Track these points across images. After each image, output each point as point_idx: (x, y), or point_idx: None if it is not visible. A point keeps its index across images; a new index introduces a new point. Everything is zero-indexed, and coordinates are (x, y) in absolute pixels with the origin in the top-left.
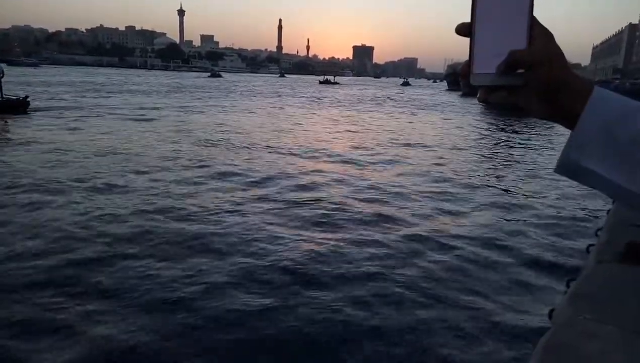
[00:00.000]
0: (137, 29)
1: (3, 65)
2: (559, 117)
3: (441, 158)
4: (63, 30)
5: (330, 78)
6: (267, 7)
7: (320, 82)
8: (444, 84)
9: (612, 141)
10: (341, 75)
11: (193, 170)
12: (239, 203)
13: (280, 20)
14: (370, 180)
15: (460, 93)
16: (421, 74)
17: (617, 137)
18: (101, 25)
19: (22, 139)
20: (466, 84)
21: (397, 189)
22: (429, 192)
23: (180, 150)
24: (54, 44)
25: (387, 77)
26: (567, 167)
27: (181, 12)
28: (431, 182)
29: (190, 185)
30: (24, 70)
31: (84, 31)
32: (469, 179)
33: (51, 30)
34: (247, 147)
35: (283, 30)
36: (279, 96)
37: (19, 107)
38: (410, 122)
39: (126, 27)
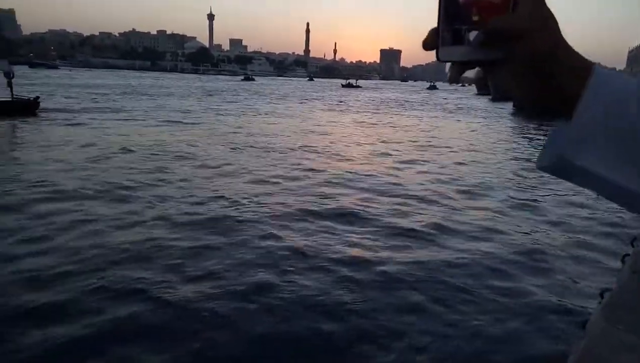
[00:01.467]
0: (168, 33)
1: (24, 67)
2: (547, 100)
3: (468, 162)
4: (97, 34)
5: (353, 81)
6: (295, 11)
7: (343, 86)
8: (473, 87)
9: (616, 135)
10: (367, 79)
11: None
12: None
13: (307, 24)
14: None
15: (490, 97)
16: None
17: (621, 130)
18: (133, 30)
19: (31, 139)
20: (497, 88)
21: (417, 191)
22: (452, 191)
23: (223, 157)
24: (88, 48)
25: (415, 80)
26: (558, 166)
27: (211, 17)
28: (455, 184)
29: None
30: (59, 73)
31: (117, 35)
32: (495, 181)
33: (86, 34)
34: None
35: (311, 34)
36: (307, 99)
37: (29, 107)
38: (434, 126)
39: (158, 31)
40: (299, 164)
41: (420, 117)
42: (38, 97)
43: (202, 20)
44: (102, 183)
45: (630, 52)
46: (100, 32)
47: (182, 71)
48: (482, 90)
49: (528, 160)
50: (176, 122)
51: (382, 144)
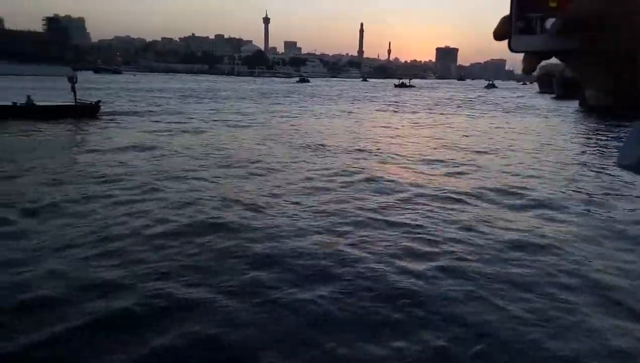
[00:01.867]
0: (225, 37)
1: (89, 72)
2: (627, 97)
3: (534, 168)
4: (159, 39)
5: (406, 81)
6: (349, 13)
7: (396, 85)
8: (535, 86)
9: None
10: (423, 78)
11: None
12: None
13: (361, 25)
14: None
15: (553, 95)
16: (510, 75)
17: None
18: (193, 35)
19: (91, 139)
20: (560, 84)
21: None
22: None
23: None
24: (151, 53)
25: (473, 79)
26: None
27: (266, 20)
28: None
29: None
30: (123, 77)
31: (178, 40)
32: (559, 187)
33: (149, 40)
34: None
35: (364, 34)
36: (360, 100)
37: (91, 111)
38: (494, 126)
39: (215, 35)
40: (349, 166)
41: (478, 116)
42: (99, 101)
43: (258, 23)
44: (158, 178)
45: None
46: (162, 38)
47: (239, 74)
48: (545, 88)
49: (600, 165)
50: (235, 124)
51: (438, 145)
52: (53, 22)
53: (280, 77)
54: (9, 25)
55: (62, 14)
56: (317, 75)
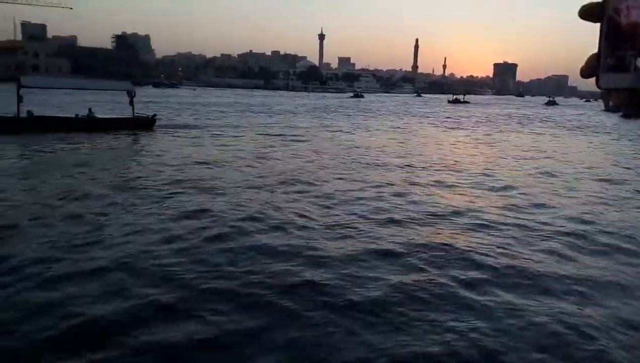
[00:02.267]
0: (281, 53)
1: (149, 87)
2: None
3: (604, 196)
4: (219, 56)
5: (460, 97)
6: (404, 28)
7: (449, 101)
8: (600, 103)
9: None
10: (479, 94)
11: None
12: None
13: (417, 41)
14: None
15: (620, 113)
16: (572, 92)
17: None
18: (250, 51)
19: (148, 149)
20: (628, 104)
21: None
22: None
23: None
24: (210, 69)
25: (533, 95)
26: None
27: (321, 37)
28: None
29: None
30: (184, 92)
31: (236, 56)
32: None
33: (209, 56)
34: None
35: (419, 49)
36: (415, 115)
37: (147, 124)
38: (554, 146)
39: (272, 52)
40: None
41: (538, 134)
42: (155, 115)
43: (313, 40)
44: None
45: None
46: (221, 54)
47: (293, 89)
48: (611, 107)
49: None
50: (287, 137)
51: (493, 166)
52: (121, 39)
53: (333, 92)
54: (81, 42)
55: (129, 31)
56: (370, 90)
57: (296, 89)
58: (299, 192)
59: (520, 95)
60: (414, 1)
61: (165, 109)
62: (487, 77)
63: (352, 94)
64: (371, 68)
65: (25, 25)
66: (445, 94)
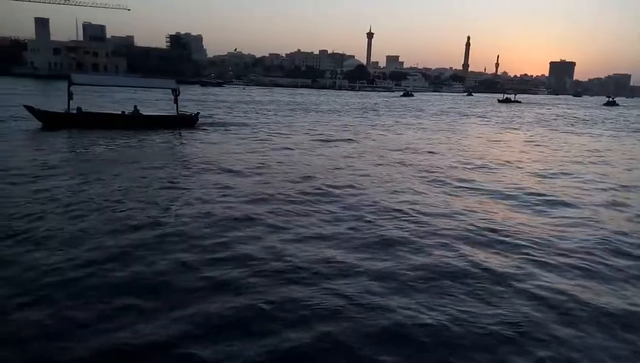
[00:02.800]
0: (329, 52)
1: (196, 86)
2: None
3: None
4: (267, 55)
5: (511, 96)
6: (455, 26)
7: (500, 101)
8: None
9: None
10: (534, 93)
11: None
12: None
13: (468, 38)
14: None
15: None
16: (635, 92)
17: None
18: (298, 50)
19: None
20: None
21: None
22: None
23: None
24: (259, 68)
25: (591, 95)
26: None
27: (370, 35)
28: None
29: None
30: (233, 90)
31: (284, 56)
32: None
33: (258, 55)
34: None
35: (471, 47)
36: (467, 115)
37: (190, 121)
38: (613, 150)
39: (320, 50)
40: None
41: (595, 135)
42: (198, 113)
43: (361, 38)
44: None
45: None
46: (270, 54)
47: (339, 88)
48: None
49: None
50: (336, 137)
51: (547, 174)
52: (175, 39)
53: (380, 90)
54: (137, 42)
55: (183, 31)
56: (419, 89)
57: (343, 88)
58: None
59: (578, 94)
60: None
61: (213, 108)
62: (543, 75)
63: (401, 93)
64: (420, 67)
65: (86, 26)
66: (497, 93)
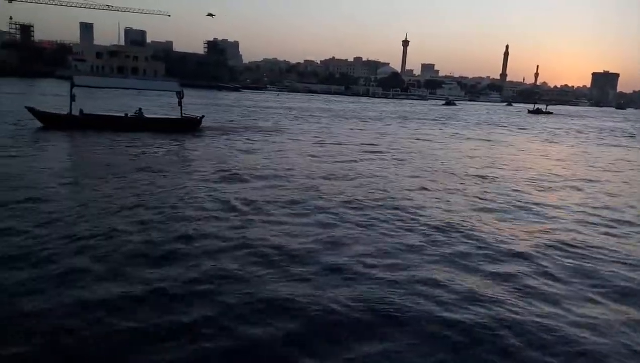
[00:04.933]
0: (363, 59)
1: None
2: None
3: None
4: (302, 62)
5: (542, 107)
6: (492, 34)
7: (530, 111)
8: None
9: None
10: (574, 105)
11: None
12: None
13: (507, 47)
14: None
15: None
16: None
17: None
18: (333, 57)
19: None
20: None
21: None
22: None
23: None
24: (293, 74)
25: (636, 108)
26: None
27: (405, 43)
28: None
29: None
30: (268, 97)
31: (319, 62)
32: None
33: (293, 62)
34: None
35: (509, 57)
36: (525, 129)
37: (193, 124)
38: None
39: (354, 58)
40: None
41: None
42: (202, 116)
43: (396, 46)
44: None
45: None
46: (304, 60)
47: (373, 95)
48: None
49: None
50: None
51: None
52: (212, 44)
53: (414, 98)
54: (176, 47)
55: (220, 37)
56: (454, 98)
57: (376, 96)
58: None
59: (621, 107)
60: (504, 6)
61: (233, 112)
62: (584, 86)
63: (442, 102)
64: (456, 75)
65: (128, 31)
66: (537, 103)
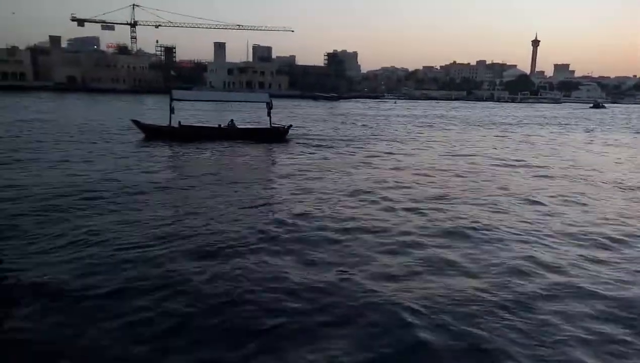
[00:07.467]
0: (487, 62)
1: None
2: None
3: None
4: (420, 68)
5: (601, 101)
6: (637, 29)
7: (591, 107)
8: None
9: None
10: None
11: None
12: None
13: None
14: None
15: None
16: None
17: None
18: (454, 62)
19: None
20: None
21: None
22: None
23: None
24: (411, 82)
25: None
26: None
27: (535, 43)
28: None
29: None
30: (384, 105)
31: (438, 68)
32: None
33: (411, 69)
34: None
35: None
36: None
37: (280, 134)
38: None
39: (477, 61)
40: None
41: None
42: (290, 125)
43: (525, 47)
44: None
45: None
46: (423, 67)
47: (498, 100)
48: None
49: None
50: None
51: None
52: (332, 56)
53: (545, 102)
54: (299, 60)
55: (339, 49)
56: (592, 100)
57: (502, 100)
58: None
59: None
60: None
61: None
62: None
63: (592, 105)
64: (595, 75)
65: (255, 48)
66: None
